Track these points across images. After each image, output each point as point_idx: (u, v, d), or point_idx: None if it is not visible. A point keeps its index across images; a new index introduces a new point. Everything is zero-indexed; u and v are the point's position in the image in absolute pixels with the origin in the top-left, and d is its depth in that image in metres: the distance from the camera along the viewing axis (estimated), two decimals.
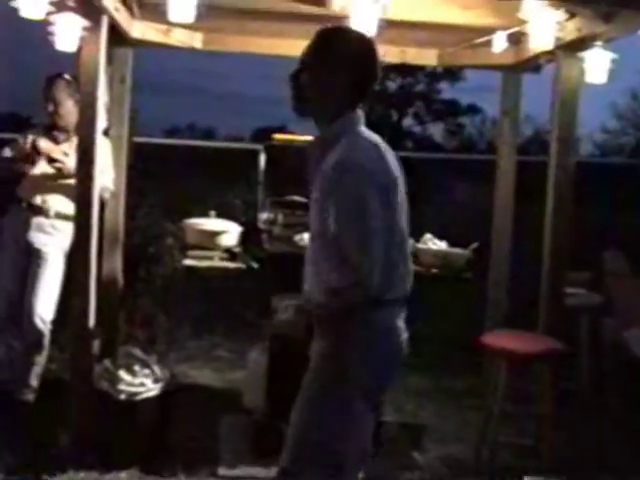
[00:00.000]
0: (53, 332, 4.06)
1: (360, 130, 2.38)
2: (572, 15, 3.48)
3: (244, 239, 4.02)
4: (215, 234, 3.92)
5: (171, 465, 3.48)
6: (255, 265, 3.76)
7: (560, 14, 3.40)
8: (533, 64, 4.30)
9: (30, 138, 4.12)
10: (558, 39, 3.50)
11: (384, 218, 2.26)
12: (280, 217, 4.05)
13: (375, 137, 2.39)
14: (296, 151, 3.79)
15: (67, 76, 4.06)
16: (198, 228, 3.99)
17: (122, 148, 4.29)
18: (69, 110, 4.05)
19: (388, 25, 3.28)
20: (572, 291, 4.20)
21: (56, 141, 4.12)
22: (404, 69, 22.13)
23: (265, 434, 3.59)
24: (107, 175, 4.03)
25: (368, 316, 2.31)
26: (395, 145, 2.56)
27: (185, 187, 7.51)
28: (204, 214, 4.10)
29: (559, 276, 3.87)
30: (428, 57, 4.64)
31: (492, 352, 3.51)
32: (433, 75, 25.31)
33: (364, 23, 3.19)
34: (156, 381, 3.62)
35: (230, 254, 3.84)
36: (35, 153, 4.05)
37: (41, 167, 4.06)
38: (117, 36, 3.93)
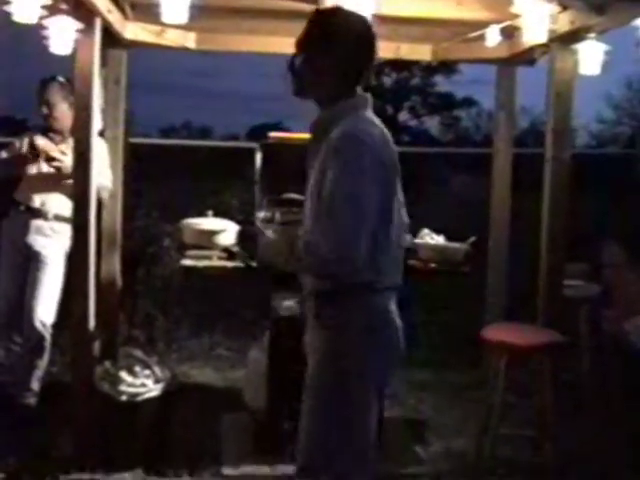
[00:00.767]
0: (53, 335, 4.06)
1: (364, 113, 2.34)
2: (565, 7, 3.49)
3: (242, 238, 4.01)
4: (213, 233, 3.91)
5: (175, 465, 3.49)
6: (253, 263, 3.75)
7: (553, 7, 3.41)
8: (527, 57, 4.30)
9: (27, 139, 4.13)
10: (551, 32, 3.49)
11: (379, 200, 2.22)
12: (277, 215, 4.04)
13: (379, 123, 2.35)
14: (292, 149, 3.78)
15: (61, 78, 4.05)
16: (196, 228, 3.99)
17: (118, 149, 4.28)
18: (63, 113, 4.05)
19: (381, 21, 3.26)
20: (570, 283, 4.20)
21: (52, 143, 4.12)
22: (399, 64, 22.06)
23: (267, 432, 3.61)
24: (104, 175, 4.03)
25: (365, 301, 2.29)
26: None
27: (182, 187, 7.51)
28: (201, 214, 4.10)
29: (557, 268, 3.88)
30: (422, 52, 4.62)
31: (492, 345, 3.51)
32: (428, 69, 25.25)
33: None
34: (157, 381, 3.63)
35: (228, 253, 3.84)
36: (33, 152, 4.05)
37: (39, 167, 4.06)
38: (111, 38, 3.93)
